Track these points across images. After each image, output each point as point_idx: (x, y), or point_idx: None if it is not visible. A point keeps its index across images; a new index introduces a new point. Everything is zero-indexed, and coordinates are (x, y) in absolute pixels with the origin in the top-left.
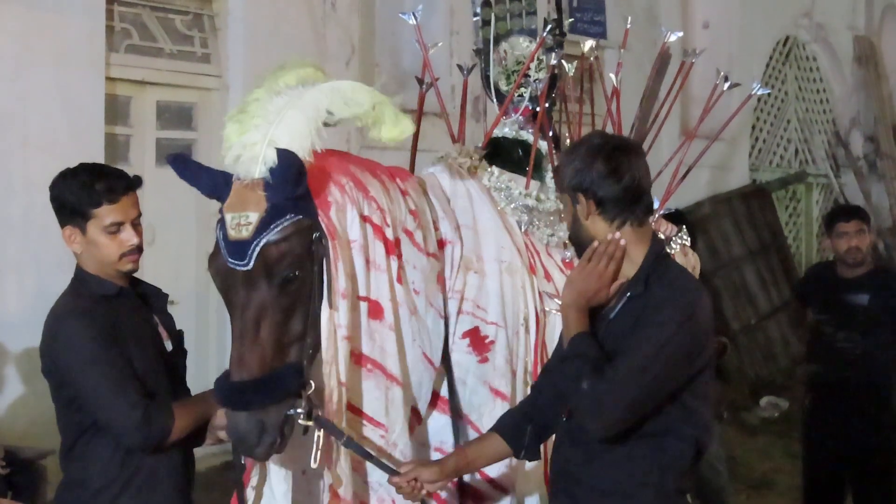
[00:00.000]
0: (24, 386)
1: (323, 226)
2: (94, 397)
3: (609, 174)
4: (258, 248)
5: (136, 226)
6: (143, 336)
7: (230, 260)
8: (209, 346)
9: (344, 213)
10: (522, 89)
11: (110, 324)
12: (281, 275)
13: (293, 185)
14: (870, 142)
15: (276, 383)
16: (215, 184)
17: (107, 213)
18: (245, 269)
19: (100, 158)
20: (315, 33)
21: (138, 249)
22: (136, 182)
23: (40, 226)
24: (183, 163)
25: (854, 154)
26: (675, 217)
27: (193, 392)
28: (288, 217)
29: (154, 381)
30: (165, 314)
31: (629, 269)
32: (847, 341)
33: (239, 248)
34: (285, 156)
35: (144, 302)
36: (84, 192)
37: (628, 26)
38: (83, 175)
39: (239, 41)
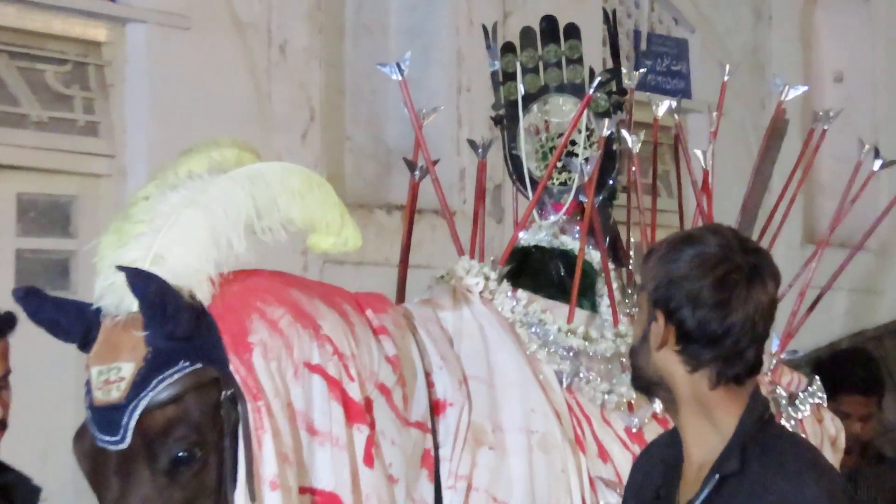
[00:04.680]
0: None
1: (237, 379)
2: None
3: (713, 306)
4: (135, 416)
5: (1, 389)
6: None
7: (99, 435)
8: None
9: (278, 360)
10: (565, 174)
11: None
12: (171, 454)
13: (161, 317)
14: None
15: None
16: (86, 325)
17: None
18: (118, 447)
19: None
20: (256, 91)
21: (1, 425)
22: (3, 324)
23: None
24: (36, 299)
25: None
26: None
27: None
28: (179, 366)
29: None
30: None
31: (715, 441)
32: None
33: (109, 418)
34: (138, 278)
35: (6, 498)
36: None
37: (726, 78)
38: None
39: (141, 104)
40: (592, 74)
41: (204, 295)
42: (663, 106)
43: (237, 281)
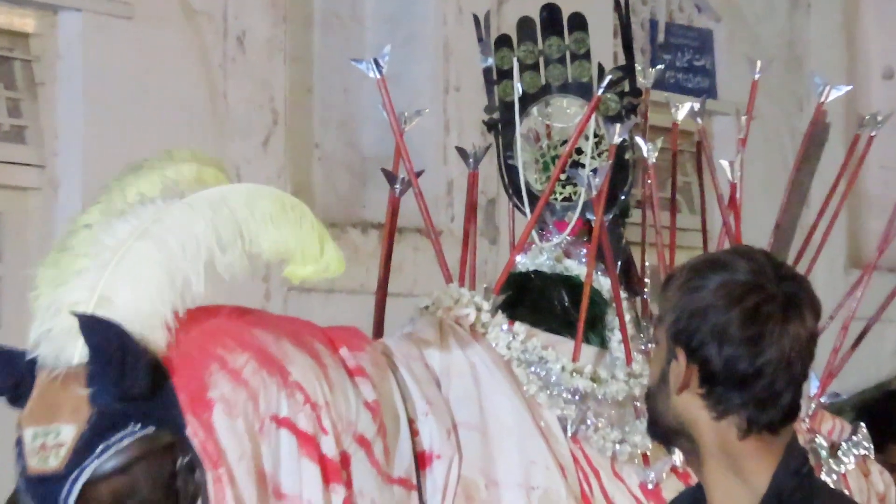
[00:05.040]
0: None
1: (195, 445)
2: None
3: (743, 343)
4: (76, 489)
5: None
6: None
7: None
8: None
9: (244, 416)
10: (569, 187)
11: None
12: None
13: (118, 374)
14: None
15: None
16: (17, 377)
17: None
18: None
19: None
20: (210, 90)
21: None
22: None
23: None
24: None
25: None
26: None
27: None
28: (129, 430)
29: None
30: None
31: (745, 499)
32: None
33: (45, 489)
34: (94, 327)
35: None
36: None
37: (757, 75)
38: None
39: (76, 105)
40: (602, 72)
41: (158, 344)
42: (684, 108)
43: (194, 323)
